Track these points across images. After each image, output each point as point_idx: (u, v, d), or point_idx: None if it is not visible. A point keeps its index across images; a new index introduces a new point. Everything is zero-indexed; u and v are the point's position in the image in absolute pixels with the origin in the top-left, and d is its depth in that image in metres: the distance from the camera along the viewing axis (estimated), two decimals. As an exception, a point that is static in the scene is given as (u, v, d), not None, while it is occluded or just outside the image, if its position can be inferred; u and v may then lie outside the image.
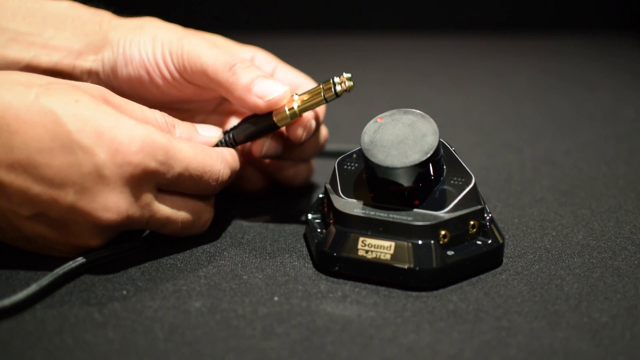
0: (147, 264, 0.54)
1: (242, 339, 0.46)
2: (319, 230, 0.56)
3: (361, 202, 0.53)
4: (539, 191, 0.68)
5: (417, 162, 0.51)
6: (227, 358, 0.45)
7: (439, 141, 0.52)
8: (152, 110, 0.54)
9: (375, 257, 0.51)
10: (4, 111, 0.48)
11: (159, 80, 0.60)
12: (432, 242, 0.51)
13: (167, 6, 1.35)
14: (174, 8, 1.35)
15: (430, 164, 0.52)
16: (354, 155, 0.56)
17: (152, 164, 0.50)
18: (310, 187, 0.69)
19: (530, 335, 0.47)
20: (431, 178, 0.53)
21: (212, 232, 0.59)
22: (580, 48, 1.26)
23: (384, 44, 1.30)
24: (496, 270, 0.54)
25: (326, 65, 1.16)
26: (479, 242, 0.53)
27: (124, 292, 0.51)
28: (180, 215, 0.54)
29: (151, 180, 0.51)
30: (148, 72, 0.60)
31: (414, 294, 0.51)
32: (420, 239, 0.51)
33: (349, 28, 1.36)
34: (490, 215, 0.54)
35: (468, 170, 0.54)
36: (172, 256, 0.56)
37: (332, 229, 0.53)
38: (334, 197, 0.54)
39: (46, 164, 0.48)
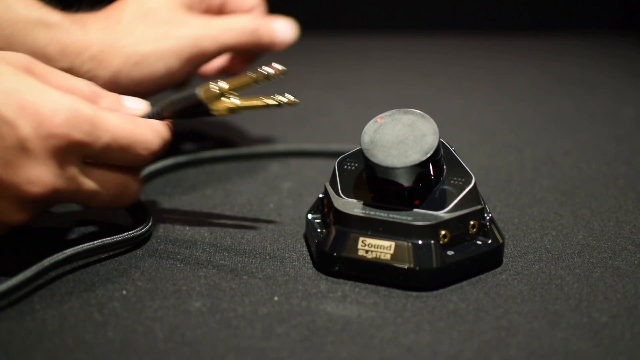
0: (147, 264, 0.54)
1: (242, 339, 0.46)
2: (319, 230, 0.56)
3: (361, 202, 0.53)
4: (539, 191, 0.68)
5: (417, 162, 0.51)
6: (227, 358, 0.45)
7: (439, 141, 0.52)
8: (79, 79, 0.53)
9: (375, 257, 0.51)
10: None
11: (176, 75, 0.66)
12: (432, 242, 0.51)
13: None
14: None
15: (430, 164, 0.52)
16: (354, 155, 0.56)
17: (78, 136, 0.49)
18: (310, 187, 0.69)
19: (530, 335, 0.47)
20: (431, 178, 0.53)
21: (212, 232, 0.59)
22: (580, 48, 1.26)
23: (384, 44, 1.30)
24: (496, 270, 0.54)
25: (326, 65, 1.16)
26: (479, 242, 0.53)
27: (124, 292, 0.51)
28: (108, 188, 0.53)
29: (77, 152, 0.50)
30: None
31: (414, 294, 0.51)
32: (420, 239, 0.51)
33: (349, 28, 1.36)
34: (490, 215, 0.54)
35: (468, 170, 0.54)
36: (172, 256, 0.56)
37: (332, 229, 0.53)
38: (334, 197, 0.54)
39: None
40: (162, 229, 0.60)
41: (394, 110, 0.54)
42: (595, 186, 0.69)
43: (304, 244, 0.58)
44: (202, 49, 0.68)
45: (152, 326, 0.47)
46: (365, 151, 0.52)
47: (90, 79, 0.61)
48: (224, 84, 0.55)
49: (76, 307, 0.49)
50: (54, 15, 0.63)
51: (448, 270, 0.51)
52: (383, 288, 0.52)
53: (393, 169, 0.51)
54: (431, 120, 0.53)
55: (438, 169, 0.53)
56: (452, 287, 0.52)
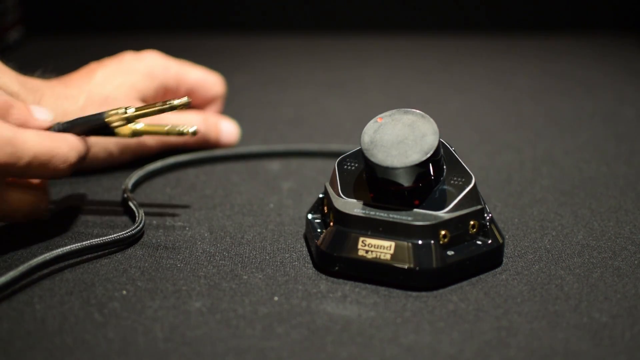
0: (147, 264, 0.54)
1: (242, 339, 0.46)
2: (319, 230, 0.56)
3: (361, 202, 0.53)
4: (539, 191, 0.68)
5: (417, 162, 0.51)
6: (227, 358, 0.45)
7: (439, 141, 0.52)
8: None
9: (375, 257, 0.51)
10: None
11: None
12: (432, 242, 0.51)
13: (167, 6, 1.35)
14: (174, 8, 1.35)
15: (430, 164, 0.52)
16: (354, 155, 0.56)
17: (1, 159, 0.51)
18: (310, 187, 0.69)
19: (530, 335, 0.47)
20: (431, 178, 0.53)
21: (212, 232, 0.59)
22: (580, 48, 1.26)
23: (384, 44, 1.30)
24: (496, 270, 0.54)
25: (326, 65, 1.16)
26: (479, 242, 0.53)
27: (124, 292, 0.51)
28: (22, 207, 0.55)
29: (1, 174, 0.52)
30: None
31: (414, 294, 0.51)
32: (420, 239, 0.51)
33: (349, 28, 1.36)
34: (490, 215, 0.54)
35: (468, 170, 0.54)
36: (172, 256, 0.56)
37: (332, 229, 0.53)
38: (334, 197, 0.54)
39: None
40: (162, 229, 0.60)
41: (394, 110, 0.54)
42: (595, 186, 0.69)
43: (304, 244, 0.58)
44: (147, 146, 0.72)
45: (152, 326, 0.47)
46: (365, 151, 0.52)
47: None
48: (131, 111, 0.58)
49: (76, 307, 0.49)
50: (13, 85, 0.63)
51: (448, 270, 0.51)
52: (383, 288, 0.52)
53: (393, 169, 0.51)
54: (431, 120, 0.53)
55: (438, 169, 0.53)
56: (452, 287, 0.52)
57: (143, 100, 0.72)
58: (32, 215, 0.57)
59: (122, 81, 0.71)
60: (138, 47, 0.78)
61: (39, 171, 0.54)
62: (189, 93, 0.76)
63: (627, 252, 0.56)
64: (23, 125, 0.55)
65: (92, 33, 1.28)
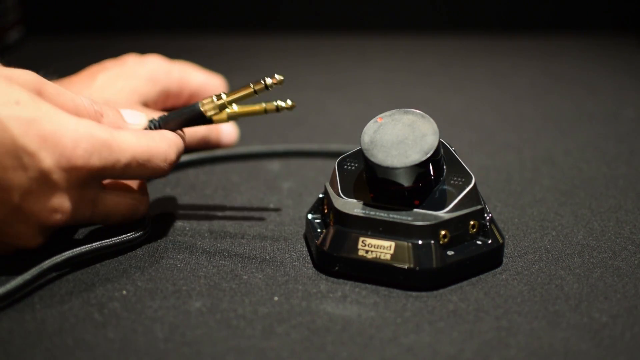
0: (147, 264, 0.54)
1: (242, 339, 0.46)
2: (319, 230, 0.56)
3: (361, 202, 0.53)
4: (539, 191, 0.68)
5: (417, 162, 0.51)
6: (227, 358, 0.45)
7: (439, 141, 0.52)
8: (81, 97, 0.54)
9: (375, 257, 0.51)
10: None
11: None
12: (432, 242, 0.51)
13: (167, 6, 1.35)
14: (174, 8, 1.35)
15: (430, 164, 0.52)
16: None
17: (98, 163, 0.50)
18: (310, 187, 0.69)
19: (530, 335, 0.47)
20: (431, 178, 0.53)
21: (212, 232, 0.59)
22: (580, 48, 1.26)
23: (384, 44, 1.30)
24: (496, 270, 0.54)
25: (326, 65, 1.16)
26: (479, 242, 0.53)
27: (124, 292, 0.51)
28: (121, 207, 0.54)
29: (97, 177, 0.51)
30: None
31: (414, 294, 0.51)
32: (420, 239, 0.51)
33: (349, 28, 1.36)
34: (490, 215, 0.54)
35: (468, 170, 0.54)
36: (172, 256, 0.56)
37: (332, 229, 0.53)
38: (334, 197, 0.54)
39: None
40: (162, 229, 0.60)
41: (394, 110, 0.54)
42: (595, 186, 0.69)
43: (304, 244, 0.58)
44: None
45: (152, 326, 0.47)
46: (365, 151, 0.52)
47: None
48: (224, 97, 0.57)
49: (76, 307, 0.49)
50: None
51: (448, 270, 0.51)
52: (383, 288, 0.52)
53: (393, 169, 0.51)
54: (431, 120, 0.53)
55: (438, 169, 0.53)
56: (452, 287, 0.52)
57: (145, 104, 0.72)
58: (131, 217, 0.56)
59: (124, 85, 0.70)
60: (138, 47, 0.78)
61: (138, 172, 0.53)
62: (192, 96, 0.76)
63: (627, 252, 0.56)
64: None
65: (92, 33, 1.28)
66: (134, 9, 1.34)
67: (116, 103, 0.68)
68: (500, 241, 0.54)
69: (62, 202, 0.50)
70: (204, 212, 0.63)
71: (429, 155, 0.51)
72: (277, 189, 0.69)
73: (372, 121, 0.53)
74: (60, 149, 0.49)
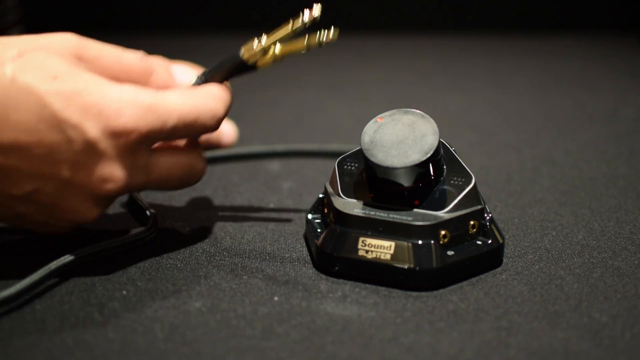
0: (147, 264, 0.54)
1: (242, 339, 0.46)
2: (319, 230, 0.56)
3: (361, 202, 0.53)
4: (539, 191, 0.68)
5: (417, 162, 0.51)
6: (227, 358, 0.45)
7: (439, 141, 0.52)
8: (129, 54, 0.52)
9: (375, 257, 0.51)
10: None
11: None
12: (432, 242, 0.51)
13: (167, 6, 1.35)
14: (174, 8, 1.35)
15: (430, 164, 0.52)
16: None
17: (144, 127, 0.49)
18: (310, 187, 0.69)
19: (530, 335, 0.47)
20: (431, 178, 0.53)
21: (212, 232, 0.59)
22: (580, 48, 1.26)
23: (384, 44, 1.30)
24: (496, 270, 0.54)
25: (326, 65, 1.16)
26: (479, 242, 0.53)
27: (124, 292, 0.51)
28: (177, 169, 0.53)
29: (146, 142, 0.50)
30: None
31: (414, 294, 0.51)
32: (420, 239, 0.51)
33: (349, 28, 1.36)
34: (490, 215, 0.54)
35: (468, 170, 0.54)
36: (172, 256, 0.56)
37: (332, 229, 0.53)
38: (334, 197, 0.54)
39: (36, 144, 0.47)
40: (162, 229, 0.59)
41: (394, 110, 0.54)
42: (595, 186, 0.69)
43: (304, 244, 0.58)
44: None
45: (152, 326, 0.47)
46: (365, 151, 0.52)
47: None
48: (264, 40, 0.54)
49: (76, 307, 0.49)
50: None
51: (448, 270, 0.51)
52: (383, 288, 0.52)
53: (393, 169, 0.51)
54: (431, 120, 0.52)
55: (438, 169, 0.53)
56: (452, 287, 0.52)
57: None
58: (189, 179, 0.54)
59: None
60: (137, 46, 0.78)
61: (186, 132, 0.52)
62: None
63: (627, 252, 0.56)
64: (164, 88, 0.52)
65: (92, 33, 1.27)
66: (133, 8, 1.34)
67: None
68: (500, 241, 0.54)
69: (112, 171, 0.49)
70: (204, 212, 0.63)
71: (429, 155, 0.51)
72: (277, 189, 0.69)
73: (372, 121, 0.53)
74: (105, 118, 0.48)
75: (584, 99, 0.99)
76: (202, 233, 0.59)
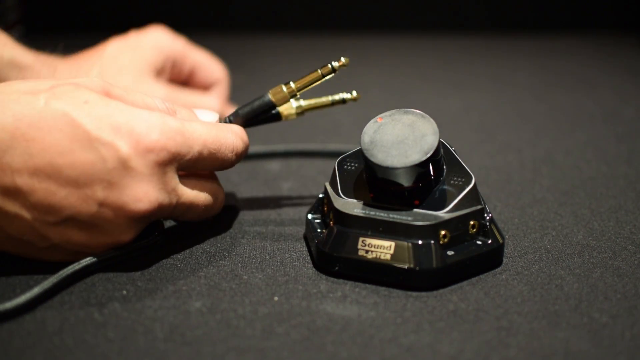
0: (147, 264, 0.54)
1: (242, 339, 0.46)
2: (319, 230, 0.56)
3: (361, 202, 0.53)
4: (539, 191, 0.68)
5: (417, 162, 0.51)
6: (227, 358, 0.45)
7: (439, 141, 0.52)
8: (152, 97, 0.54)
9: (375, 257, 0.51)
10: (17, 122, 0.48)
11: None
12: (432, 242, 0.51)
13: (167, 6, 1.35)
14: (174, 8, 1.35)
15: (430, 164, 0.52)
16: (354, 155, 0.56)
17: (173, 147, 0.51)
18: (310, 187, 0.69)
19: (530, 335, 0.47)
20: (431, 178, 0.53)
21: (212, 232, 0.59)
22: (580, 48, 1.26)
23: (384, 44, 1.30)
24: (496, 270, 0.54)
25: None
26: (479, 242, 0.53)
27: (124, 292, 0.51)
28: (202, 197, 0.55)
29: (174, 164, 0.51)
30: None
31: (414, 294, 0.51)
32: (420, 239, 0.51)
33: (349, 28, 1.36)
34: (490, 215, 0.54)
35: (468, 170, 0.54)
36: (172, 256, 0.56)
37: (332, 229, 0.53)
38: (334, 197, 0.54)
39: (69, 165, 0.48)
40: (159, 227, 0.59)
41: (394, 111, 0.54)
42: (595, 186, 0.69)
43: (304, 244, 0.58)
44: None
45: (152, 326, 0.47)
46: (365, 151, 0.52)
47: None
48: (293, 85, 0.58)
49: (76, 307, 0.49)
50: (27, 57, 0.64)
51: (448, 270, 0.51)
52: (383, 288, 0.52)
53: (393, 169, 0.51)
54: (431, 120, 0.53)
55: (438, 169, 0.53)
56: (452, 287, 0.52)
57: (155, 73, 0.73)
58: (212, 206, 0.56)
59: (132, 57, 0.72)
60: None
61: (209, 161, 0.54)
62: (192, 71, 0.77)
63: (627, 252, 0.56)
64: None
65: (92, 33, 1.28)
66: (133, 8, 1.34)
67: (128, 68, 0.69)
68: (500, 241, 0.54)
69: (145, 190, 0.50)
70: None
71: (429, 155, 0.51)
72: (277, 189, 0.69)
73: (372, 121, 0.53)
74: (136, 136, 0.49)
75: (584, 99, 0.99)
76: (202, 233, 0.59)
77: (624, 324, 0.47)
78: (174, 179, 0.52)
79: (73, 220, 0.50)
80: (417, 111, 0.53)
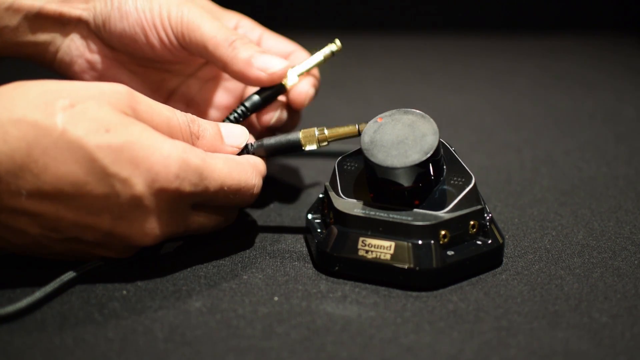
0: (147, 264, 0.54)
1: (242, 339, 0.46)
2: (319, 230, 0.56)
3: (361, 202, 0.53)
4: (539, 191, 0.68)
5: (417, 162, 0.51)
6: (227, 358, 0.45)
7: (439, 141, 0.52)
8: (178, 116, 0.52)
9: (375, 257, 0.51)
10: (30, 149, 0.46)
11: (155, 41, 0.60)
12: (432, 242, 0.51)
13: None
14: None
15: (430, 164, 0.52)
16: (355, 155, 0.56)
17: (188, 188, 0.49)
18: (310, 187, 0.69)
19: (530, 335, 0.47)
20: (431, 178, 0.53)
21: (212, 232, 0.59)
22: (580, 48, 1.26)
23: (384, 44, 1.30)
24: (496, 270, 0.54)
25: (326, 65, 1.16)
26: (479, 242, 0.53)
27: (124, 292, 0.51)
28: (211, 223, 0.54)
29: (187, 201, 0.51)
30: (145, 32, 0.60)
31: (414, 294, 0.51)
32: (420, 239, 0.51)
33: (349, 28, 1.36)
34: (490, 215, 0.54)
35: (468, 170, 0.54)
36: (172, 257, 0.56)
37: (332, 229, 0.53)
38: (334, 197, 0.54)
39: (81, 195, 0.47)
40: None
41: (394, 110, 0.54)
42: (595, 186, 0.69)
43: (304, 244, 0.58)
44: None
45: (152, 326, 0.47)
46: (365, 151, 0.52)
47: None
48: (327, 133, 0.56)
49: (76, 307, 0.49)
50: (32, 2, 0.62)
51: (448, 270, 0.51)
52: (383, 288, 0.52)
53: (393, 169, 0.51)
54: (431, 120, 0.53)
55: (438, 169, 0.53)
56: (452, 287, 0.52)
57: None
58: (219, 228, 0.55)
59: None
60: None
61: (225, 200, 0.53)
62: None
63: (627, 252, 0.56)
64: (212, 151, 0.53)
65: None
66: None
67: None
68: (500, 241, 0.54)
69: (153, 227, 0.49)
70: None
71: (429, 155, 0.51)
72: (277, 189, 0.69)
73: (372, 121, 0.53)
74: (153, 175, 0.48)
75: (583, 98, 0.99)
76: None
77: (624, 324, 0.47)
78: (184, 213, 0.51)
79: (77, 240, 0.50)
80: (417, 111, 0.53)
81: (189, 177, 0.49)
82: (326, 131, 0.56)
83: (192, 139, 0.53)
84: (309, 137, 0.56)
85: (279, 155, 0.59)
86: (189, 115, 0.53)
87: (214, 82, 0.66)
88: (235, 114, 0.60)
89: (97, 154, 0.46)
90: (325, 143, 0.57)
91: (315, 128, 0.56)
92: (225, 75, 0.66)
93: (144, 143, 0.48)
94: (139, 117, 0.49)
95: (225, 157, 0.53)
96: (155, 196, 0.48)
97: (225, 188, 0.52)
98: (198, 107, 0.66)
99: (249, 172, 0.53)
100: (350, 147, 0.60)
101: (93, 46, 0.63)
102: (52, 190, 0.47)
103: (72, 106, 0.47)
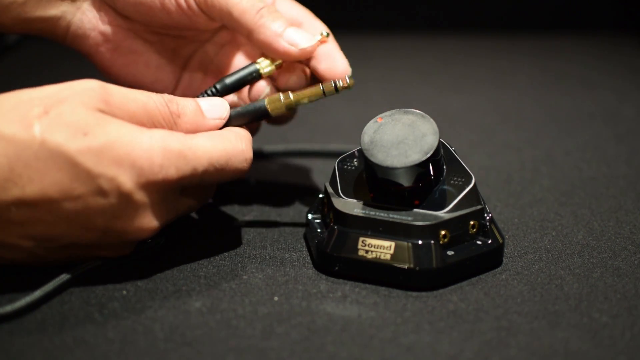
0: (147, 264, 0.54)
1: (242, 339, 0.46)
2: (319, 230, 0.56)
3: (361, 202, 0.53)
4: (539, 191, 0.68)
5: (417, 162, 0.51)
6: (227, 358, 0.45)
7: (439, 141, 0.52)
8: (154, 98, 0.51)
9: (375, 257, 0.51)
10: (11, 165, 0.46)
11: (171, 7, 0.59)
12: (432, 242, 0.51)
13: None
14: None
15: (430, 164, 0.52)
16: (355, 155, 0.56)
17: (175, 175, 0.49)
18: (310, 187, 0.69)
19: (530, 335, 0.47)
20: (431, 178, 0.53)
21: (212, 232, 0.59)
22: (580, 48, 1.26)
23: (384, 44, 1.30)
24: (496, 270, 0.54)
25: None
26: (479, 242, 0.53)
27: (124, 292, 0.51)
28: (197, 202, 0.54)
29: (177, 188, 0.51)
30: None
31: (414, 294, 0.51)
32: (420, 239, 0.51)
33: (349, 28, 1.36)
34: (490, 215, 0.54)
35: (468, 170, 0.54)
36: (172, 256, 0.56)
37: (333, 229, 0.53)
38: (334, 197, 0.54)
39: (70, 200, 0.47)
40: (162, 230, 0.59)
41: (394, 110, 0.54)
42: (595, 186, 0.69)
43: (304, 244, 0.58)
44: None
45: (152, 326, 0.47)
46: (365, 151, 0.52)
47: None
48: (292, 97, 0.55)
49: (76, 307, 0.49)
50: None
51: (448, 270, 0.51)
52: (383, 288, 0.52)
53: (393, 169, 0.51)
54: (431, 120, 0.53)
55: (438, 169, 0.53)
56: (452, 287, 0.52)
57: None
58: (201, 204, 0.55)
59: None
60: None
61: (217, 176, 0.52)
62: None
63: (627, 252, 0.56)
64: (195, 131, 0.52)
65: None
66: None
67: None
68: (500, 241, 0.54)
69: (148, 221, 0.49)
70: (204, 212, 0.63)
71: (429, 155, 0.51)
72: (277, 189, 0.69)
73: (372, 121, 0.53)
74: (137, 169, 0.48)
75: (584, 98, 0.99)
76: (203, 233, 0.59)
77: (624, 324, 0.48)
78: (175, 197, 0.51)
79: (74, 245, 0.50)
80: (417, 111, 0.53)
81: (174, 163, 0.49)
82: (291, 95, 0.55)
83: (173, 119, 0.52)
84: (275, 102, 0.55)
85: (250, 122, 0.56)
86: (166, 95, 0.52)
87: (230, 47, 0.64)
88: (206, 95, 0.58)
89: (79, 159, 0.46)
90: (292, 108, 0.55)
91: (281, 93, 0.55)
92: (242, 39, 0.64)
93: (123, 140, 0.47)
94: (114, 109, 0.49)
95: (206, 133, 0.52)
96: (145, 190, 0.48)
97: (214, 163, 0.51)
98: (216, 72, 0.64)
99: (233, 139, 0.52)
100: (350, 147, 0.60)
101: (105, 17, 0.61)
102: (40, 200, 0.46)
103: (47, 113, 0.47)
